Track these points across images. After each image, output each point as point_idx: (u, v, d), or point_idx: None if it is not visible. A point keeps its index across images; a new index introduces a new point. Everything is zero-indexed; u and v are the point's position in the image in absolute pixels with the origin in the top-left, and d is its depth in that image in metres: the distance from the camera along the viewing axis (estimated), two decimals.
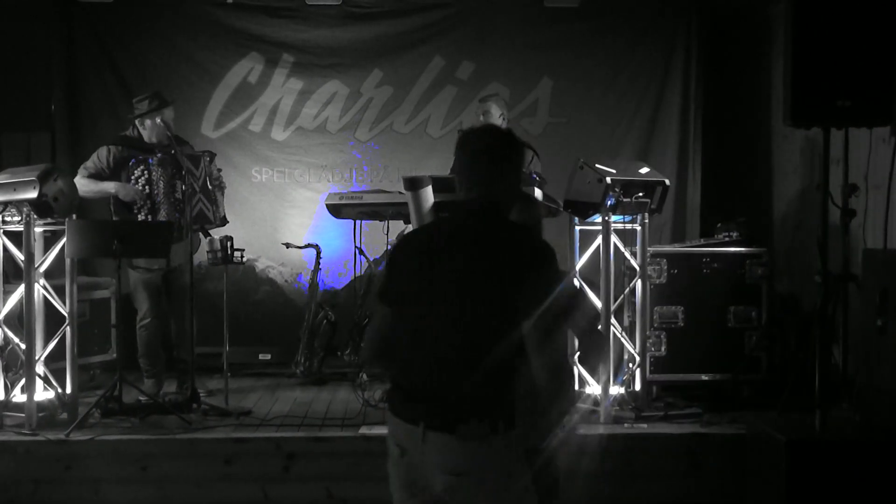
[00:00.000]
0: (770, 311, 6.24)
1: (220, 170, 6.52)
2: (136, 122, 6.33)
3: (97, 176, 6.26)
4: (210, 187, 6.23)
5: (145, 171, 6.20)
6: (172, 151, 6.15)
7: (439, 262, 2.84)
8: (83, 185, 6.16)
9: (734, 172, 7.94)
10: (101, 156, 6.29)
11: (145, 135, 6.31)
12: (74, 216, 5.69)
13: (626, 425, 5.40)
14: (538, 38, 7.95)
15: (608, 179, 5.38)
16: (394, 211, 5.99)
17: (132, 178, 6.22)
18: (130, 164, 6.22)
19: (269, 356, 7.61)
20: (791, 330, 6.41)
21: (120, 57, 7.80)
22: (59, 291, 5.69)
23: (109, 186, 6.22)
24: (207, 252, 6.19)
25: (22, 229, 5.53)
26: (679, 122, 7.93)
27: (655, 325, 6.07)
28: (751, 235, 6.47)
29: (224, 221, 6.34)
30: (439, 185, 5.74)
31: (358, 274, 6.68)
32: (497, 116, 6.56)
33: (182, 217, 6.09)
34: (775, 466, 4.66)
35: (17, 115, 7.80)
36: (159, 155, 6.22)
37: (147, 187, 6.19)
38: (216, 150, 7.03)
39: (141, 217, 6.21)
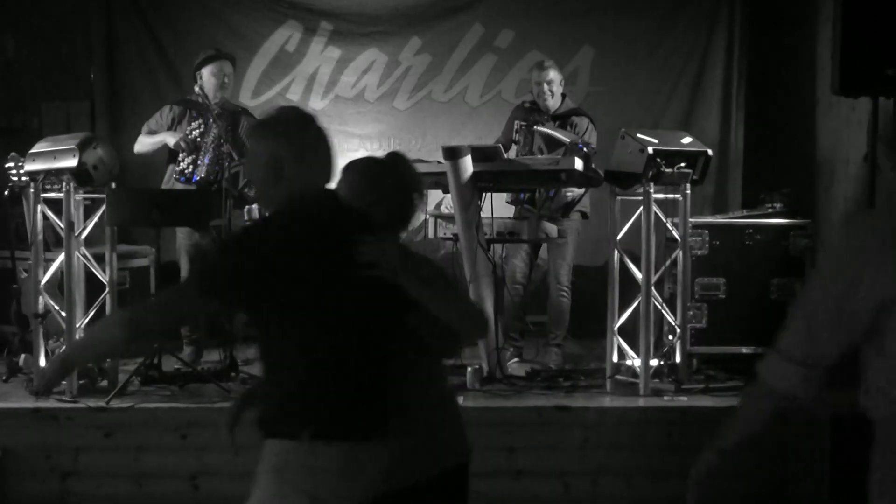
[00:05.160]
0: None
1: None
2: (197, 78, 6.45)
3: (156, 132, 6.45)
4: None
5: (202, 125, 6.29)
6: (235, 111, 6.37)
7: None
8: (142, 141, 6.43)
9: (777, 142, 7.81)
10: (162, 113, 6.48)
11: (205, 89, 6.42)
12: (114, 184, 5.70)
13: (665, 398, 5.35)
14: (579, 5, 7.85)
15: (650, 150, 5.31)
16: (432, 180, 5.93)
17: (188, 128, 6.33)
18: (189, 116, 6.35)
19: None
20: None
21: (158, 25, 7.79)
22: (99, 259, 5.71)
23: (162, 135, 6.37)
24: (246, 221, 6.19)
25: (62, 197, 5.55)
26: (721, 92, 7.81)
27: (696, 296, 5.99)
28: (795, 207, 6.36)
29: (242, 198, 6.30)
30: (478, 154, 5.70)
31: None
32: (558, 83, 6.46)
33: (221, 172, 6.10)
34: (819, 442, 4.60)
35: (57, 84, 7.84)
36: (217, 111, 6.33)
37: (199, 137, 6.28)
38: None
39: (185, 164, 6.27)
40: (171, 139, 6.28)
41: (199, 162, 6.25)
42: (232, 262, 2.64)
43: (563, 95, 6.52)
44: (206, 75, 6.41)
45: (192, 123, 6.32)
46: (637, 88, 7.86)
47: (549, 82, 6.40)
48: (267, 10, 7.85)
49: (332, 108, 7.95)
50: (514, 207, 6.45)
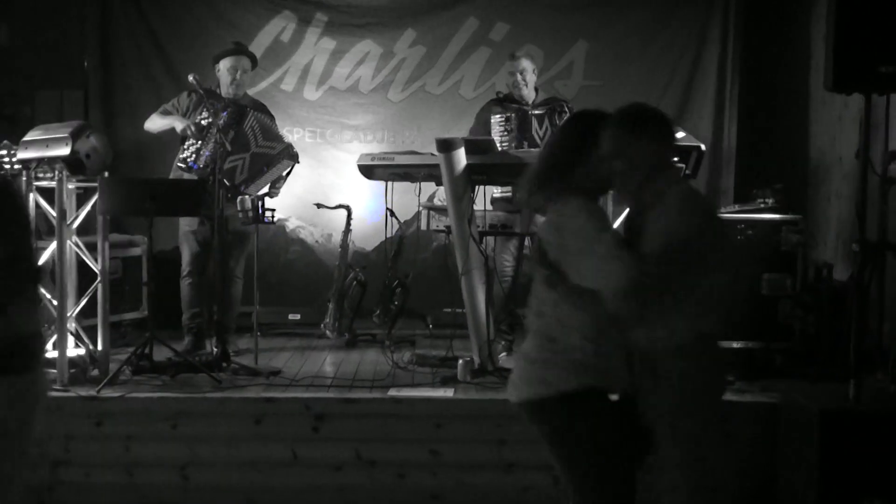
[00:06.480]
0: (804, 279, 6.15)
1: (286, 175, 6.60)
2: (215, 70, 6.50)
3: (170, 114, 6.47)
4: (264, 168, 6.37)
5: (211, 115, 6.26)
6: (246, 105, 6.41)
7: None
8: (153, 119, 6.46)
9: (771, 138, 7.83)
10: (180, 98, 6.50)
11: (220, 81, 6.49)
12: (106, 173, 5.69)
13: None
14: None
15: None
16: (426, 173, 5.94)
17: (198, 117, 6.32)
18: (203, 106, 6.32)
19: (298, 316, 7.63)
20: (825, 298, 6.33)
21: (153, 14, 7.80)
22: (91, 248, 5.71)
23: (172, 119, 6.38)
24: (239, 211, 6.18)
25: (54, 186, 5.54)
26: (715, 87, 7.84)
27: None
28: (787, 202, 6.37)
29: (237, 191, 6.29)
30: (472, 147, 5.70)
31: (389, 235, 6.65)
32: (531, 72, 6.45)
33: (216, 164, 6.09)
34: (808, 436, 4.62)
35: (51, 72, 7.83)
36: (231, 106, 6.34)
37: (207, 127, 6.26)
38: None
39: (189, 152, 6.26)
40: (179, 124, 6.29)
41: (201, 151, 6.24)
42: None
43: (536, 89, 6.50)
44: (222, 68, 6.46)
45: (203, 112, 6.32)
46: (631, 83, 7.85)
47: (523, 71, 6.39)
48: (262, 0, 7.85)
49: (325, 99, 7.97)
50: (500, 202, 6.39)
